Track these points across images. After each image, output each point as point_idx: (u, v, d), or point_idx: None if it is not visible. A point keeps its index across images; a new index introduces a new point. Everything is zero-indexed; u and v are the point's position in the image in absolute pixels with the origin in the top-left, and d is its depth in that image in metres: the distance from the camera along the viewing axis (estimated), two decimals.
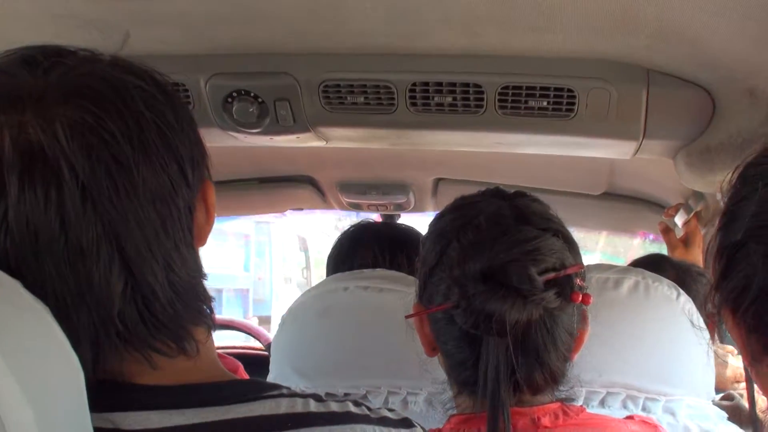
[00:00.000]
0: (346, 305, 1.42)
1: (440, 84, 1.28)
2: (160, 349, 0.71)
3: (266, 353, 2.89)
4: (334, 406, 0.75)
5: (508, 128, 1.33)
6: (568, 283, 0.98)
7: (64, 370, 0.57)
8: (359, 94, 1.30)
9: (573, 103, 1.27)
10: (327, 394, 0.81)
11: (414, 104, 1.30)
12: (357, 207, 2.40)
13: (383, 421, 0.77)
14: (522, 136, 1.35)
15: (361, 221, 1.96)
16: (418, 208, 2.41)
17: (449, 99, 1.29)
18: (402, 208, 2.38)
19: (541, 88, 1.26)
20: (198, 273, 0.76)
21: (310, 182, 2.29)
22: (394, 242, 1.71)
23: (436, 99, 1.29)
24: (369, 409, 0.78)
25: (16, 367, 0.51)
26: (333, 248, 1.82)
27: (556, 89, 1.26)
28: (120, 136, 0.66)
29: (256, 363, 2.84)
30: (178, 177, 0.71)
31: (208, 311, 0.77)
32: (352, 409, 0.76)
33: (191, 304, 0.74)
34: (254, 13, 1.12)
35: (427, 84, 1.28)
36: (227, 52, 1.28)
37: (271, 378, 1.46)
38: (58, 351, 0.57)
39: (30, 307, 0.57)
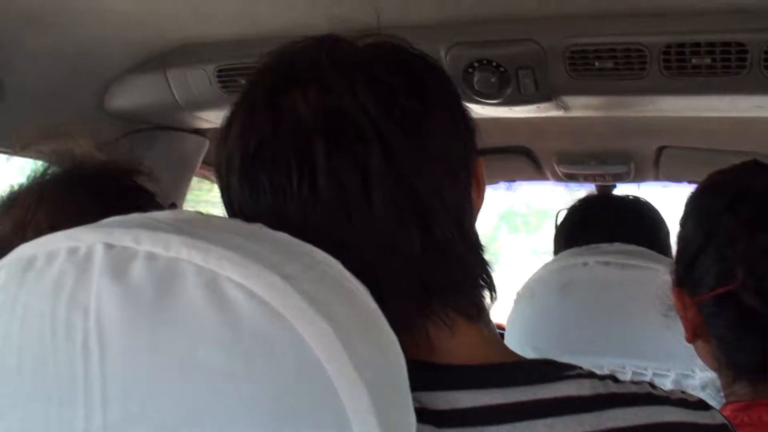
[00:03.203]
0: (587, 281, 1.37)
1: (698, 45, 1.18)
2: (459, 307, 0.71)
3: None
4: (634, 388, 0.72)
5: None
6: None
7: (389, 351, 0.56)
8: (608, 59, 1.22)
9: None
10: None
11: (668, 68, 1.21)
12: (573, 178, 2.32)
13: (683, 403, 0.72)
14: None
15: (589, 194, 1.89)
16: (638, 178, 2.29)
17: (707, 60, 1.19)
18: (621, 178, 2.27)
19: None
20: (479, 239, 0.76)
21: (526, 153, 2.24)
22: (630, 215, 1.64)
23: (693, 61, 1.20)
24: (664, 390, 0.74)
25: (351, 351, 0.51)
26: (563, 221, 1.76)
27: None
28: (409, 92, 0.68)
29: None
30: (456, 138, 0.72)
31: (490, 277, 0.76)
32: (652, 390, 0.72)
33: (479, 264, 0.73)
34: None
35: (683, 45, 1.18)
36: (469, 20, 1.24)
37: None
38: (381, 332, 0.56)
39: (353, 287, 0.56)
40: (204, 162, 1.98)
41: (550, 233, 1.88)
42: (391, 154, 0.65)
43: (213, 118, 1.66)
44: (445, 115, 0.71)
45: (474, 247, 0.73)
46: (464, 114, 0.74)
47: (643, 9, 1.18)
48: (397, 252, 0.66)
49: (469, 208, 0.73)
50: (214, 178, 2.41)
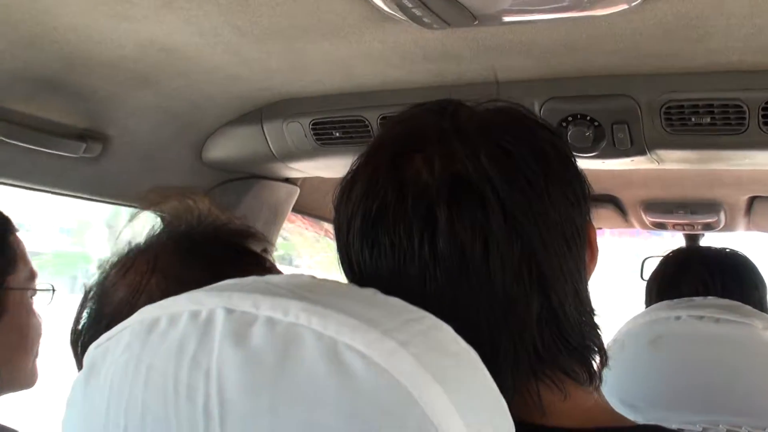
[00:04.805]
0: (680, 335, 1.35)
1: None
2: (571, 372, 0.71)
3: None
4: None
5: None
6: None
7: (500, 415, 0.57)
8: (705, 115, 1.22)
9: None
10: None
11: (767, 123, 1.20)
12: (661, 227, 2.29)
13: None
14: None
15: (683, 246, 1.86)
16: (728, 228, 2.26)
17: None
18: (711, 227, 2.24)
19: None
20: (591, 303, 0.76)
21: (612, 201, 2.22)
22: (725, 268, 1.60)
23: None
24: None
25: (464, 415, 0.52)
26: (655, 273, 1.73)
27: None
28: (531, 160, 0.69)
29: None
30: (574, 205, 0.72)
31: (600, 341, 0.76)
32: None
33: (591, 328, 0.74)
34: (603, 38, 1.08)
35: None
36: (565, 76, 1.25)
37: None
38: (492, 396, 0.57)
39: (465, 352, 0.57)
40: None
41: None
42: (512, 220, 0.66)
43: (305, 168, 1.70)
44: (565, 182, 0.72)
45: (586, 311, 0.73)
46: (581, 181, 0.75)
47: (741, 65, 1.17)
48: (513, 316, 0.67)
49: (583, 272, 0.73)
50: (299, 222, 2.46)
